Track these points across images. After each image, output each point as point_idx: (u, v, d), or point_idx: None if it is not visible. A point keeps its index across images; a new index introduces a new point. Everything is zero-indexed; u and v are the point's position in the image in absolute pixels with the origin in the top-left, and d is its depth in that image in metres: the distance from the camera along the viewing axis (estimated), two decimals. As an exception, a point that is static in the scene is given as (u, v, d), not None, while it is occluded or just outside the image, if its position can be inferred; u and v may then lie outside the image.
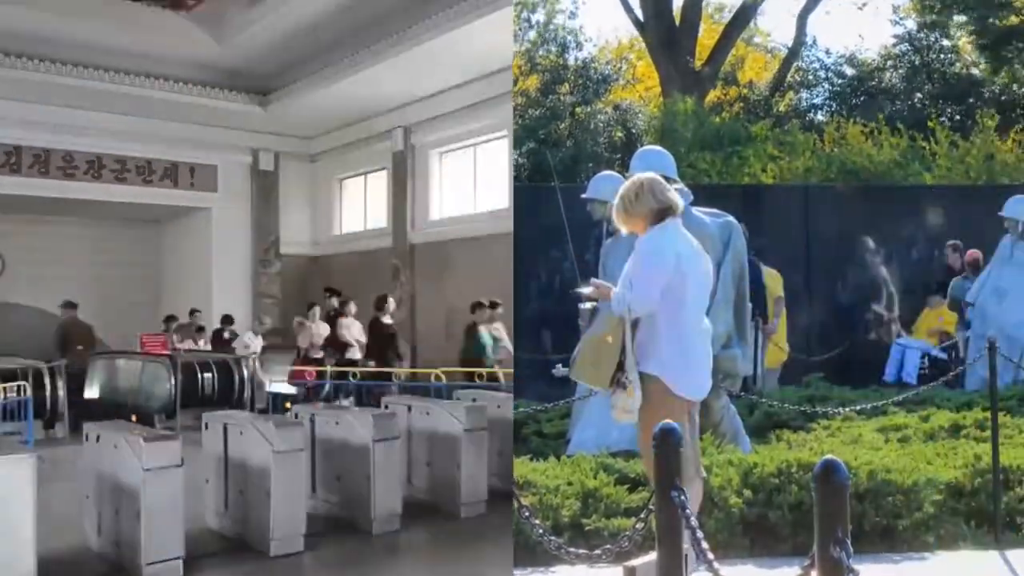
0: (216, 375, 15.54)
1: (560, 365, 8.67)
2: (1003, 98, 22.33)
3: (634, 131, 22.93)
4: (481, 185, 18.35)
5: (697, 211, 8.21)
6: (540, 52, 25.69)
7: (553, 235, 10.76)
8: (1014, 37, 22.09)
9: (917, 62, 23.82)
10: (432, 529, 8.52)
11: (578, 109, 24.40)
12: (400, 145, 19.60)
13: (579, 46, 26.36)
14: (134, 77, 17.77)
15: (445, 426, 8.92)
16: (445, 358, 15.64)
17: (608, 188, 8.93)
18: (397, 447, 8.42)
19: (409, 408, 9.41)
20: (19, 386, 11.97)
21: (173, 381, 14.45)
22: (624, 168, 9.98)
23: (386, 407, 9.57)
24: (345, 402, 14.31)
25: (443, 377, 12.85)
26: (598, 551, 4.74)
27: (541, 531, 4.65)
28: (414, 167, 19.59)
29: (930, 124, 19.30)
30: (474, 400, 9.57)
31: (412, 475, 9.28)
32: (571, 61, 25.76)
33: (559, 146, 22.67)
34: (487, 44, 14.85)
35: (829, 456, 3.51)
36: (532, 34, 25.85)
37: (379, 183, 21.04)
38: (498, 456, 9.24)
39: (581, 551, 4.83)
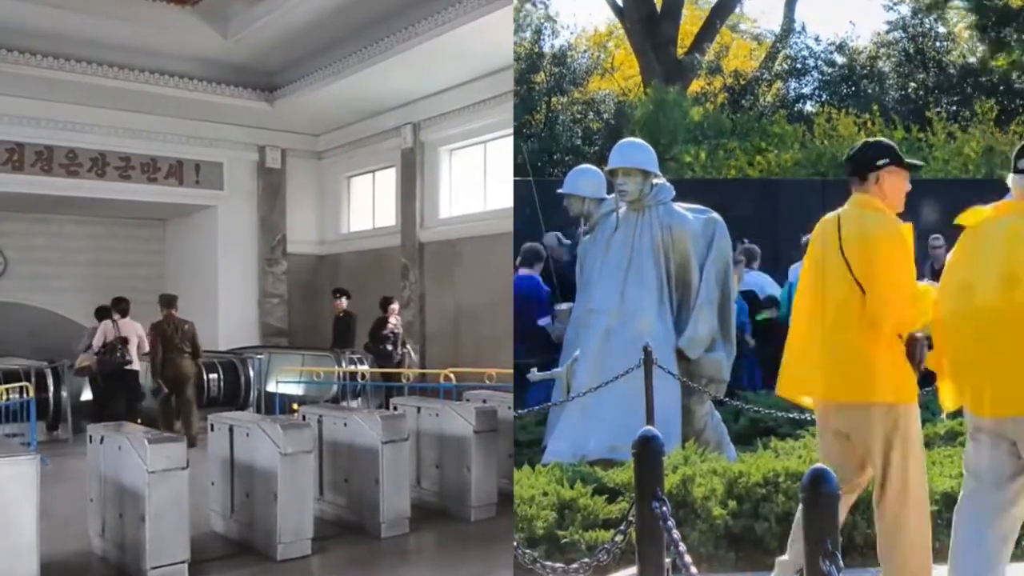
0: (222, 376, 15.45)
1: (535, 369, 8.56)
2: (1002, 87, 21.96)
3: (612, 122, 22.56)
4: (491, 182, 18.21)
5: (679, 207, 8.07)
6: (514, 40, 25.26)
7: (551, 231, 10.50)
8: (1014, 21, 21.73)
9: (912, 50, 23.33)
10: (441, 532, 8.45)
11: (554, 99, 24.05)
12: (409, 142, 19.48)
13: (555, 33, 25.92)
14: (138, 73, 17.64)
15: (455, 428, 8.81)
16: (455, 358, 15.54)
17: (585, 183, 8.76)
18: (406, 449, 8.32)
19: (418, 409, 9.30)
20: (22, 387, 11.87)
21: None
22: (603, 161, 9.77)
23: (395, 408, 9.45)
24: (353, 403, 14.21)
25: (452, 378, 12.71)
26: (575, 565, 4.58)
27: (515, 543, 4.51)
28: (423, 164, 19.46)
29: (926, 115, 19.08)
30: (484, 401, 9.44)
31: (421, 477, 9.17)
32: (546, 49, 25.29)
33: (534, 138, 22.38)
34: (497, 40, 14.73)
35: (818, 465, 3.37)
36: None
37: (387, 181, 20.92)
38: (508, 458, 9.10)
39: (557, 565, 4.66)
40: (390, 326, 15.06)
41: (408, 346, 15.32)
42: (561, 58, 24.75)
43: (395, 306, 15.39)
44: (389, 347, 14.94)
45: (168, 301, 13.52)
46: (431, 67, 16.52)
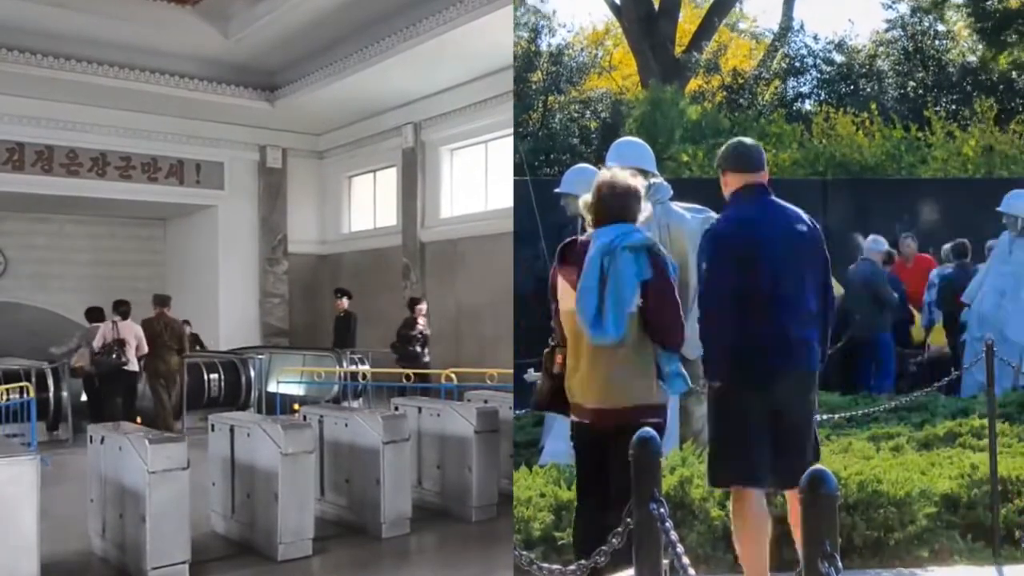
0: (223, 376, 15.43)
1: (532, 370, 8.51)
2: (1002, 86, 21.85)
3: (610, 121, 22.46)
4: (493, 182, 18.20)
5: (677, 206, 8.02)
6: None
7: (548, 232, 10.43)
8: (1014, 20, 21.62)
9: (911, 48, 23.19)
10: (443, 533, 8.42)
11: (550, 98, 23.92)
12: (410, 142, 19.46)
13: (552, 32, 25.76)
14: (139, 72, 17.65)
15: (456, 428, 8.77)
16: (456, 358, 15.50)
17: (583, 182, 8.69)
18: (407, 449, 8.29)
19: (419, 409, 9.26)
20: (22, 387, 11.85)
21: (179, 382, 14.38)
22: (600, 161, 9.72)
23: (396, 408, 9.43)
24: (354, 403, 14.19)
25: (454, 378, 12.68)
26: (572, 567, 4.54)
27: (514, 545, 4.50)
28: (424, 164, 19.45)
29: (925, 114, 19.02)
30: (485, 402, 9.41)
31: (422, 478, 9.14)
32: (543, 48, 25.11)
33: (530, 137, 22.29)
34: (497, 39, 14.71)
35: (817, 466, 3.35)
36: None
37: (389, 180, 20.91)
38: (509, 459, 9.07)
39: (554, 567, 4.63)
40: (419, 327, 14.70)
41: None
42: (558, 57, 24.64)
43: (423, 306, 15.05)
44: (417, 348, 14.55)
45: (161, 301, 14.35)
46: (432, 67, 16.51)
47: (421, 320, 14.84)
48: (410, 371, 13.24)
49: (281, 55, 18.11)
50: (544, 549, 5.92)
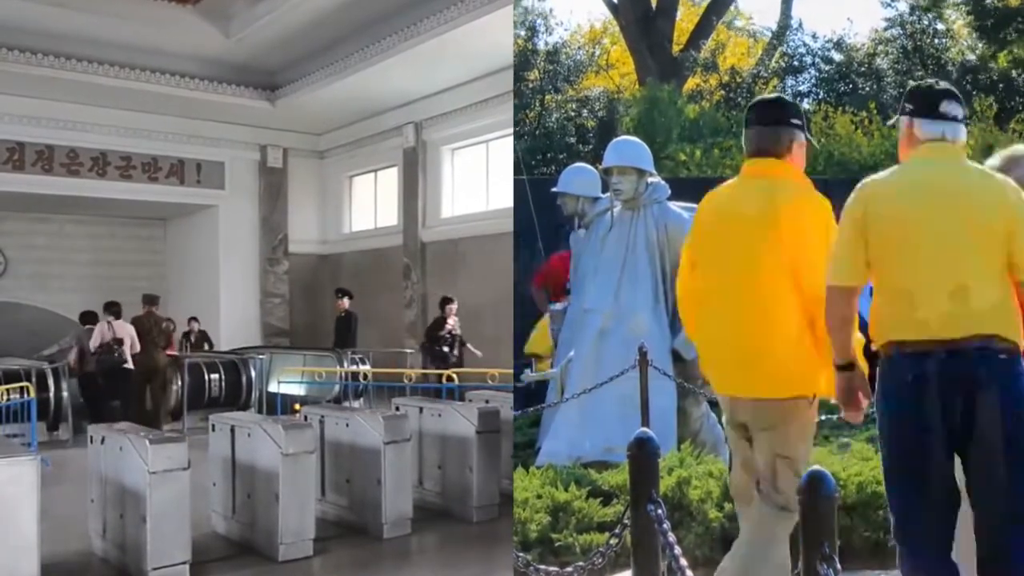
0: (223, 376, 15.42)
1: (528, 370, 8.48)
2: (1002, 85, 21.79)
3: (607, 120, 22.41)
4: (494, 182, 18.18)
5: (675, 206, 7.99)
6: (507, 36, 24.87)
7: (548, 232, 10.39)
8: (1014, 18, 21.57)
9: (910, 47, 23.09)
10: (444, 533, 8.38)
11: (547, 97, 23.87)
12: (411, 141, 19.45)
13: (549, 30, 25.68)
14: (139, 72, 17.64)
15: (457, 428, 8.75)
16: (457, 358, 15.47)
17: (580, 181, 8.68)
18: (408, 449, 8.26)
19: (420, 410, 9.24)
20: (22, 387, 11.83)
21: (180, 382, 14.43)
22: (597, 160, 9.70)
23: (397, 408, 9.41)
24: (355, 403, 14.18)
25: (455, 378, 12.67)
26: (569, 568, 4.52)
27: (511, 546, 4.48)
28: (425, 164, 19.44)
29: (925, 112, 18.94)
30: (487, 402, 9.39)
31: (423, 478, 9.12)
32: (540, 46, 25.06)
33: (527, 136, 22.26)
34: (498, 39, 14.72)
35: (816, 467, 3.33)
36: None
37: (389, 180, 20.90)
38: (511, 459, 9.06)
39: (551, 568, 4.61)
40: (448, 326, 14.59)
41: (468, 346, 14.68)
42: (555, 55, 24.56)
43: (454, 306, 14.79)
44: (445, 348, 14.43)
45: (150, 300, 15.07)
46: (433, 66, 16.51)
47: (451, 319, 14.73)
48: (410, 371, 13.25)
49: (281, 55, 18.10)
50: (541, 551, 5.90)
